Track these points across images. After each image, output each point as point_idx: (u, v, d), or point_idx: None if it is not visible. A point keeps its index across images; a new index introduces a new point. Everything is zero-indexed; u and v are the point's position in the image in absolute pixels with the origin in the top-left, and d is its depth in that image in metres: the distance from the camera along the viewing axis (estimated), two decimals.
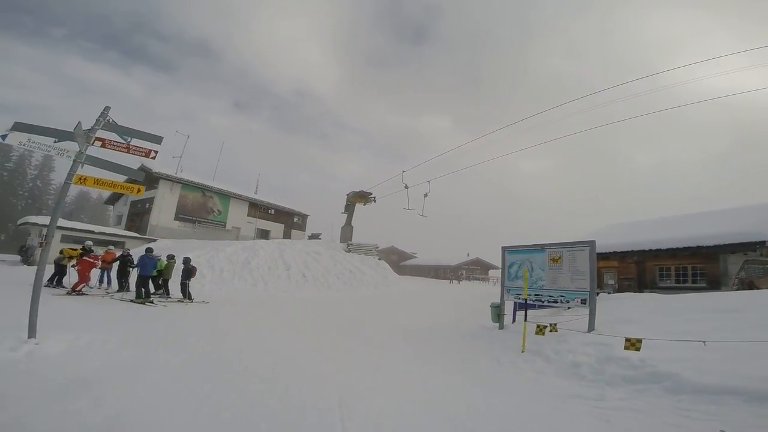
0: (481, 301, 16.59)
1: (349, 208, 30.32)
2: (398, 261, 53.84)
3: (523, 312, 10.67)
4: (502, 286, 9.90)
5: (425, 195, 23.83)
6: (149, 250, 9.84)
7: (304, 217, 36.91)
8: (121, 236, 21.32)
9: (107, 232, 21.11)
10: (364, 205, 29.67)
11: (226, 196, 30.01)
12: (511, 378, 5.43)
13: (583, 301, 8.10)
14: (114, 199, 32.76)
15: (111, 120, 7.44)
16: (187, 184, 27.46)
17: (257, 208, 32.52)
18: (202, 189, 28.49)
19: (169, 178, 26.43)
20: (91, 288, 10.93)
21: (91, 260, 9.61)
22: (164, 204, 25.81)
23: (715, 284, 14.04)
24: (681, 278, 15.09)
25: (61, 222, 20.44)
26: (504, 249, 10.11)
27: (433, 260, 54.97)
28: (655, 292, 14.59)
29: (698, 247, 14.12)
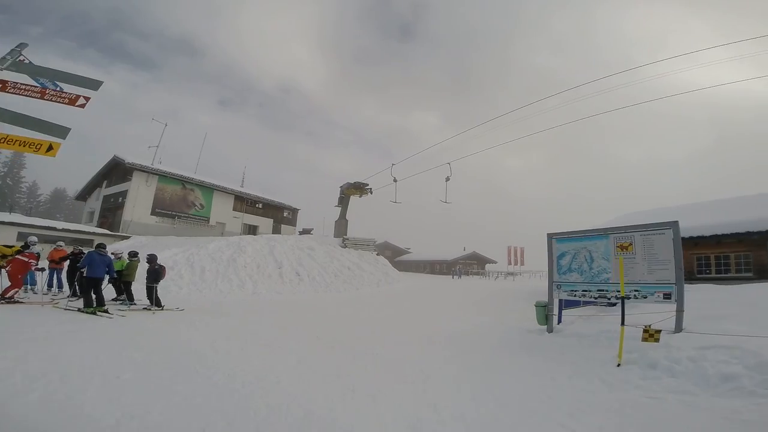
0: (499, 298, 14.82)
1: (344, 201, 28.12)
2: (392, 257, 51.74)
3: (570, 311, 9.03)
4: (550, 281, 8.11)
5: (447, 179, 22.01)
6: (100, 246, 7.60)
7: (294, 211, 34.56)
8: (89, 233, 18.81)
9: (72, 228, 18.59)
10: (360, 197, 27.54)
11: (209, 189, 27.51)
12: (652, 406, 3.65)
13: (667, 296, 6.50)
14: (85, 195, 29.98)
15: (26, 60, 5.49)
16: (164, 176, 24.91)
17: (244, 202, 30.06)
18: (182, 181, 25.95)
19: (144, 170, 23.87)
20: (36, 293, 8.69)
21: (26, 260, 7.36)
22: (139, 197, 23.24)
23: (763, 273, 12.52)
24: (723, 268, 13.52)
25: (18, 218, 17.97)
26: (551, 237, 8.28)
27: (428, 255, 53.18)
28: (693, 283, 13.06)
29: (748, 233, 12.56)
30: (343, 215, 27.82)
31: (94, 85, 5.55)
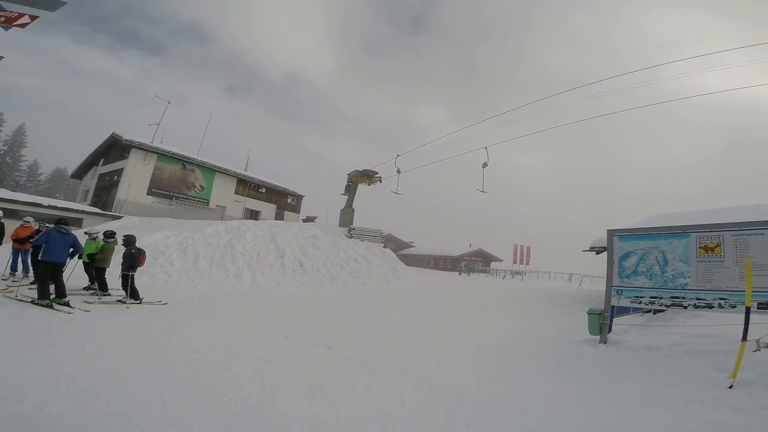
0: (518, 299, 13.50)
1: (351, 189, 26.67)
2: (395, 250, 50.30)
3: (623, 317, 7.74)
4: (609, 285, 6.77)
5: (484, 165, 20.38)
6: (61, 223, 6.20)
7: (298, 198, 33.13)
8: (78, 211, 17.52)
9: (59, 206, 17.27)
10: (369, 185, 26.10)
11: (210, 171, 26.09)
12: None
13: (762, 306, 5.28)
14: (81, 173, 28.72)
15: None
16: (164, 155, 23.52)
17: (246, 186, 28.64)
18: (182, 161, 24.56)
19: (142, 147, 22.48)
20: None
21: None
22: (135, 176, 21.87)
23: None
24: None
25: (1, 193, 16.65)
26: (611, 233, 6.92)
27: (432, 250, 51.79)
28: None
29: None
30: (349, 204, 26.44)
31: (53, 5, 4.24)
